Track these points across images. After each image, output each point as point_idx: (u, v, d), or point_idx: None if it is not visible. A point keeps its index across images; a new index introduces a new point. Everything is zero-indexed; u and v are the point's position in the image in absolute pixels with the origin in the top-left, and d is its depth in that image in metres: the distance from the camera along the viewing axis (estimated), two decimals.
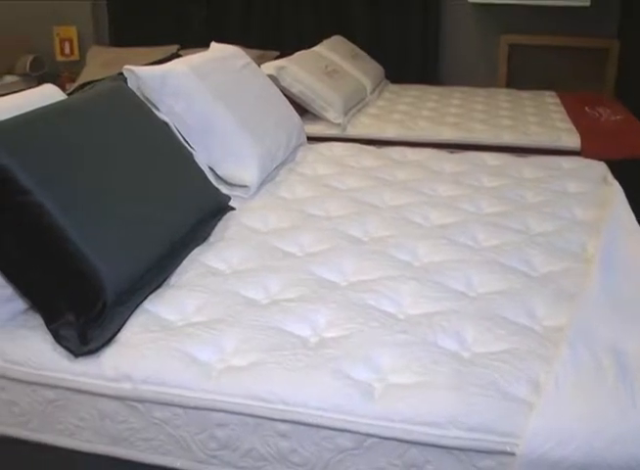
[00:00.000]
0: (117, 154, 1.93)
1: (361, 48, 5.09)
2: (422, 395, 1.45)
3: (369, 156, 3.05)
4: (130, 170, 1.93)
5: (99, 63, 5.33)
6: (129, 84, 2.43)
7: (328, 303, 1.76)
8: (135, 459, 1.61)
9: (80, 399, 1.60)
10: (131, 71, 2.46)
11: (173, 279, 1.90)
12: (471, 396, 1.44)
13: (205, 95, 2.54)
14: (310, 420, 1.45)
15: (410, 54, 5.39)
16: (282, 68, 3.75)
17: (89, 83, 2.35)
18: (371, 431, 1.43)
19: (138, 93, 2.39)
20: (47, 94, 2.16)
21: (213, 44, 3.07)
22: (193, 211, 2.10)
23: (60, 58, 5.91)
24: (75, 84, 4.90)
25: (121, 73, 2.48)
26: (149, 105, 2.37)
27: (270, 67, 3.69)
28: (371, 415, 1.43)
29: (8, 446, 1.74)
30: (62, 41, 5.88)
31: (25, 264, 1.66)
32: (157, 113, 2.39)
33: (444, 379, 1.48)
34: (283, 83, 3.68)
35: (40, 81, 5.73)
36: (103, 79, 2.36)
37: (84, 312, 1.64)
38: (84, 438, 1.64)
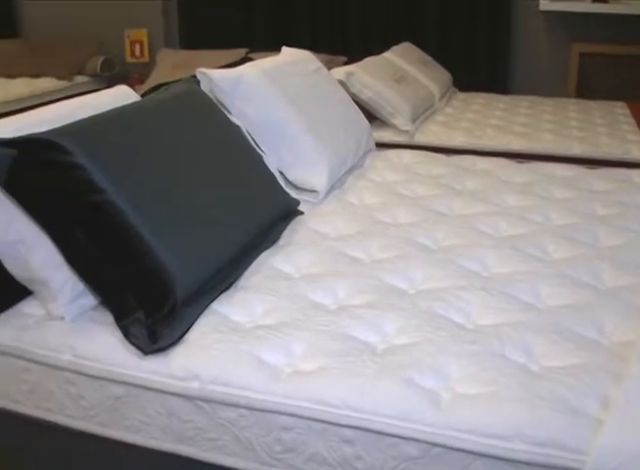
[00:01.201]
0: (190, 155, 1.95)
1: (429, 55, 5.07)
2: (489, 406, 1.44)
3: (438, 164, 3.04)
4: (202, 172, 1.96)
5: (168, 65, 5.40)
6: (202, 87, 2.46)
7: (396, 310, 1.76)
8: (199, 458, 1.62)
9: (148, 397, 1.62)
10: (204, 74, 2.49)
11: (242, 281, 1.91)
12: (539, 409, 1.41)
13: (276, 99, 2.57)
14: (376, 427, 1.45)
15: (479, 62, 5.35)
16: (351, 73, 3.74)
17: (163, 85, 2.38)
18: (437, 440, 1.42)
19: (210, 95, 2.42)
20: (121, 95, 2.19)
21: (284, 48, 3.09)
22: (263, 213, 2.11)
23: (130, 59, 6.01)
24: (145, 86, 4.97)
25: (194, 76, 2.51)
26: (221, 107, 2.39)
27: (339, 72, 3.69)
28: (438, 424, 1.42)
29: (74, 438, 1.77)
30: (132, 43, 5.98)
31: (98, 262, 1.69)
32: (228, 115, 2.41)
33: (512, 391, 1.46)
34: (352, 89, 3.68)
35: (110, 82, 5.84)
36: (176, 81, 2.39)
37: (154, 311, 1.66)
38: (150, 434, 1.66)
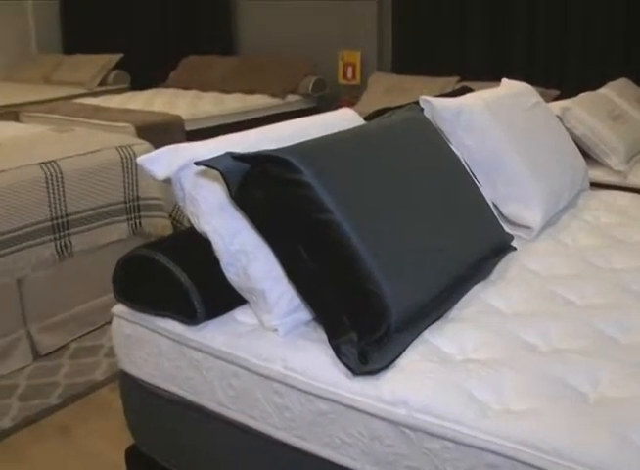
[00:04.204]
0: (412, 182, 1.97)
1: None
2: None
3: None
4: (423, 199, 1.97)
5: (380, 89, 5.48)
6: (425, 113, 2.47)
7: (610, 360, 1.69)
8: None
9: (352, 417, 1.64)
10: (427, 101, 2.51)
11: (453, 313, 1.90)
12: None
13: (496, 131, 2.55)
14: None
15: None
16: (567, 108, 3.66)
17: (385, 110, 2.42)
18: None
19: (432, 123, 2.43)
20: (346, 118, 2.25)
21: (504, 80, 3.07)
22: (478, 245, 2.10)
23: (341, 81, 6.14)
24: (357, 108, 5.06)
25: (417, 102, 2.53)
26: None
27: (555, 107, 3.62)
28: None
29: (271, 446, 1.82)
30: (345, 65, 6.11)
31: (317, 279, 1.73)
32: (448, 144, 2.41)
33: None
34: (567, 124, 3.59)
35: (320, 102, 6.01)
36: (400, 107, 2.43)
37: (367, 333, 1.68)
38: (348, 454, 1.67)
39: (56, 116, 5.50)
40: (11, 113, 5.93)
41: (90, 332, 3.50)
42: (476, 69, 5.59)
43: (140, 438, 2.20)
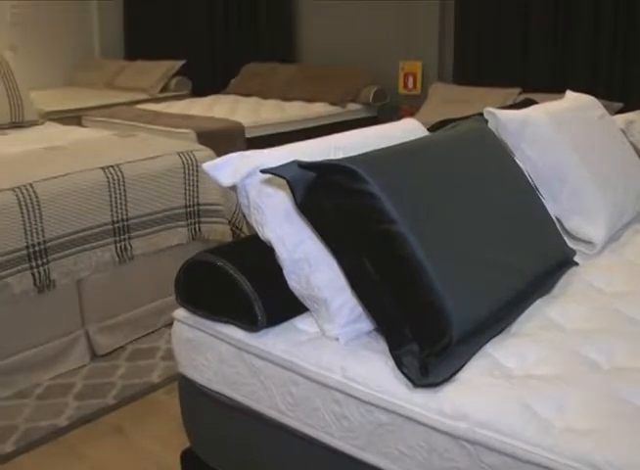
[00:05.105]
0: (475, 194, 1.96)
1: None
2: None
3: None
4: (486, 212, 1.95)
5: (440, 99, 5.46)
6: (489, 125, 2.46)
7: None
8: None
9: (412, 429, 1.63)
10: (492, 113, 2.50)
11: (515, 327, 1.89)
12: None
13: (561, 145, 2.53)
14: None
15: None
16: (631, 122, 3.60)
17: (449, 121, 2.41)
18: None
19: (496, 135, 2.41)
20: (409, 129, 2.24)
21: (569, 92, 3.04)
22: (541, 260, 2.07)
23: (402, 91, 6.14)
24: (416, 118, 5.04)
25: (481, 114, 2.52)
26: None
27: (619, 119, 3.57)
28: None
29: (326, 454, 1.82)
30: (406, 75, 6.10)
31: (380, 289, 1.72)
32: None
33: None
34: (631, 138, 3.53)
35: (380, 112, 6.03)
36: (464, 118, 2.41)
37: (428, 345, 1.67)
38: (406, 466, 1.66)
39: (118, 121, 5.58)
40: (74, 117, 6.04)
41: (147, 334, 3.54)
42: (537, 80, 5.53)
43: (196, 441, 2.22)
